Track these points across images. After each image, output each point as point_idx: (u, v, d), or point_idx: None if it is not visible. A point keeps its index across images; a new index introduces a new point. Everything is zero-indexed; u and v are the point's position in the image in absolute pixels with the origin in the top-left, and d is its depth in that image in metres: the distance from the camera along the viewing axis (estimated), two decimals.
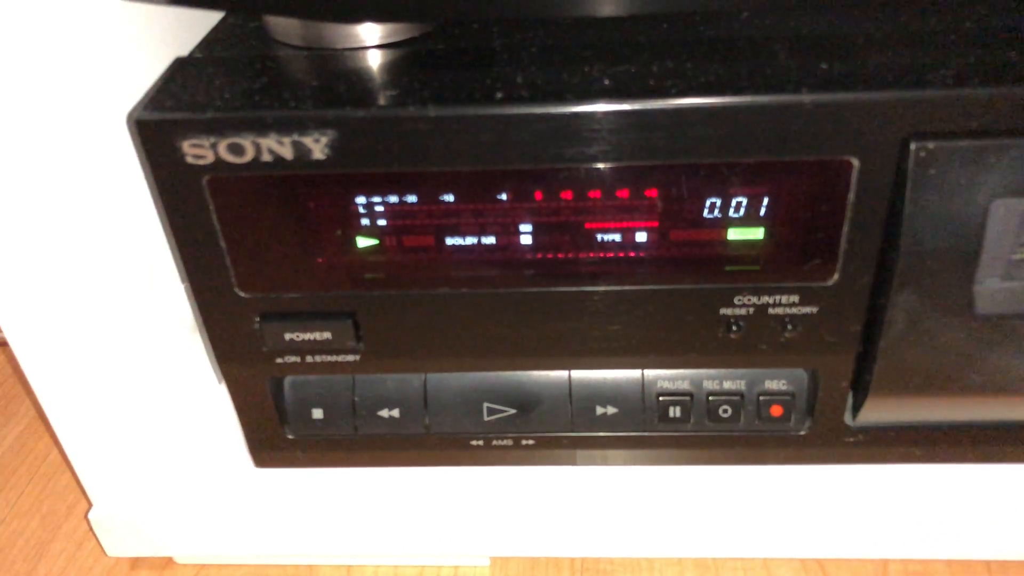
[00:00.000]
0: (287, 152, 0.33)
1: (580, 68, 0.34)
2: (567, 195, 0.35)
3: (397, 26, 0.37)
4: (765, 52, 0.34)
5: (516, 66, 0.35)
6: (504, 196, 0.35)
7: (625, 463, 0.43)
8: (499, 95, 0.32)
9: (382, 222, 0.36)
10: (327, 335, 0.38)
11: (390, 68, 0.35)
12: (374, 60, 0.36)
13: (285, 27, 0.38)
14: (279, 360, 0.39)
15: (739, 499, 0.45)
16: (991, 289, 0.35)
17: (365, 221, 0.36)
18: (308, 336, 0.38)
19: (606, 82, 0.33)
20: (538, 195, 0.35)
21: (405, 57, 0.36)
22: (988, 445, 0.42)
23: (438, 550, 0.49)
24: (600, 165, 0.34)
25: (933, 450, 0.42)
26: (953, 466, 0.45)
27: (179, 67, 0.37)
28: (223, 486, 0.46)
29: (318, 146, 0.33)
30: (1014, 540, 0.45)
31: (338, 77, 0.35)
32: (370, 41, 0.37)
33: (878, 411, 0.39)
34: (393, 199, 0.35)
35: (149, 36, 0.41)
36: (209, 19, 0.44)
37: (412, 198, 0.35)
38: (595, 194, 0.35)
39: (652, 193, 0.35)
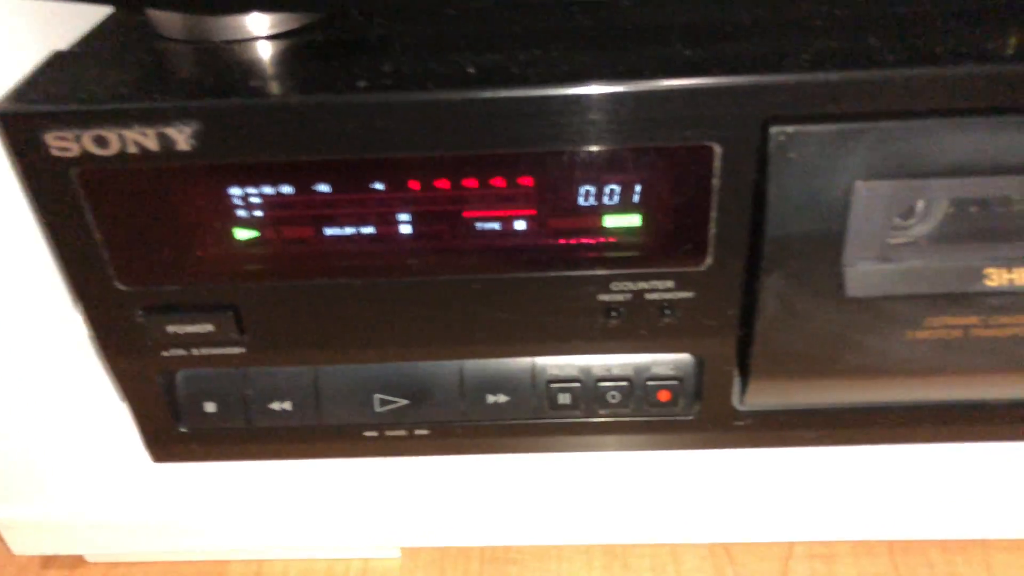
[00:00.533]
0: (152, 143, 0.33)
1: (449, 57, 0.34)
2: (442, 184, 0.35)
3: (277, 17, 0.37)
4: (632, 40, 0.34)
5: (388, 56, 0.35)
6: (378, 185, 0.35)
7: (520, 451, 0.44)
8: (362, 83, 0.32)
9: (256, 213, 0.36)
10: (209, 327, 0.38)
11: (264, 59, 0.35)
12: (251, 52, 0.36)
13: (166, 21, 0.38)
14: (165, 354, 0.39)
15: (646, 486, 0.46)
16: (861, 272, 0.36)
17: (240, 212, 0.36)
18: (191, 329, 0.38)
19: (471, 70, 0.33)
20: (413, 184, 0.35)
21: (281, 48, 0.36)
22: (876, 427, 0.42)
23: (349, 543, 0.49)
24: (470, 153, 0.34)
25: (823, 433, 0.43)
26: (853, 448, 0.45)
27: (54, 60, 0.36)
28: (128, 483, 0.46)
29: (183, 137, 0.33)
30: (914, 520, 0.45)
31: (210, 69, 0.35)
32: (250, 33, 0.37)
33: (762, 394, 0.40)
34: (265, 190, 0.35)
35: (35, 31, 0.41)
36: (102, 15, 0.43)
37: (286, 189, 0.35)
38: (470, 183, 0.35)
39: (526, 181, 0.35)
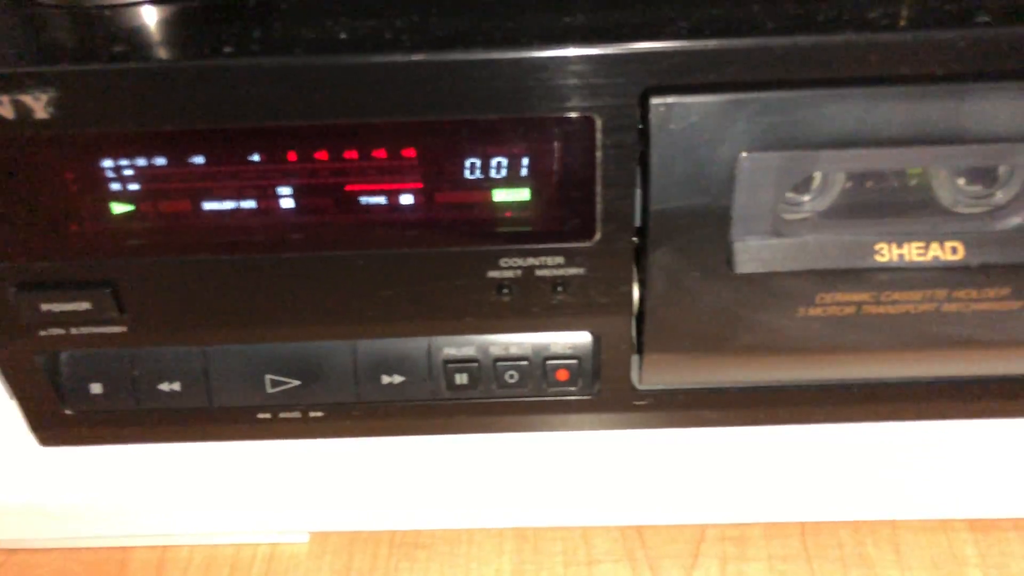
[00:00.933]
0: (8, 111, 0.31)
1: (324, 23, 0.33)
2: (321, 155, 0.34)
3: None
4: (509, 7, 0.33)
5: (262, 22, 0.34)
6: (255, 157, 0.34)
7: (418, 433, 0.43)
8: (228, 49, 0.31)
9: (130, 186, 0.34)
10: (86, 305, 0.37)
11: (135, 25, 0.34)
12: (124, 17, 0.35)
13: None
14: (43, 333, 0.38)
15: (556, 469, 0.45)
16: (749, 247, 0.35)
17: (112, 185, 0.34)
18: (67, 307, 0.37)
19: (343, 35, 0.32)
20: (291, 156, 0.34)
21: (156, 14, 0.35)
22: (780, 407, 0.42)
23: (256, 527, 0.48)
24: (346, 123, 0.33)
25: (726, 413, 0.42)
26: (764, 429, 0.45)
27: None
28: (24, 467, 0.45)
29: (39, 104, 0.31)
30: (825, 502, 0.45)
31: (75, 34, 0.33)
32: None
33: (658, 373, 0.39)
34: (137, 161, 0.34)
35: None
36: None
37: (158, 160, 0.34)
38: (350, 154, 0.34)
39: (409, 153, 0.34)
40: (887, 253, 0.35)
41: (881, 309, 0.36)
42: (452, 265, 0.36)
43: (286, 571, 0.48)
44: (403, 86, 0.31)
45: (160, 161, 0.34)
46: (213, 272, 0.37)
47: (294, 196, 0.35)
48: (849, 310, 0.36)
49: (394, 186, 0.35)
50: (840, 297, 0.35)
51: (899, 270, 0.35)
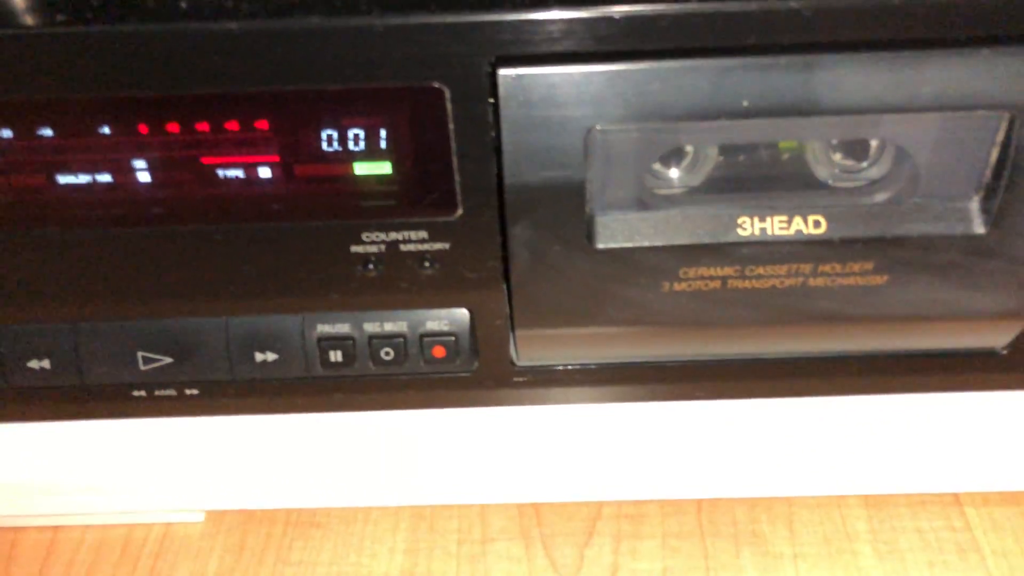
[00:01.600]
0: None
1: None
2: (173, 127, 0.33)
3: None
4: None
5: None
6: (105, 129, 0.33)
7: (295, 411, 0.42)
8: (61, 17, 0.30)
9: None
10: None
11: None
12: None
13: None
14: None
15: (452, 446, 0.45)
16: (609, 221, 0.35)
17: None
18: None
19: (182, 4, 0.31)
20: (142, 128, 0.33)
21: None
22: (663, 383, 0.42)
23: (149, 506, 0.47)
24: (195, 93, 0.32)
25: (607, 389, 0.42)
26: (657, 405, 0.45)
27: None
28: None
29: None
30: (721, 479, 0.45)
31: None
32: None
33: (531, 349, 0.39)
34: None
35: None
36: None
37: (5, 132, 0.33)
38: (202, 126, 0.33)
39: (261, 124, 0.33)
40: (749, 227, 0.34)
41: (747, 284, 0.36)
42: (313, 240, 0.36)
43: (178, 551, 0.48)
44: (244, 56, 0.31)
45: (7, 133, 0.33)
46: (73, 246, 0.36)
47: (149, 169, 0.34)
48: (715, 284, 0.35)
49: (250, 158, 0.34)
50: (704, 272, 0.35)
51: (762, 244, 0.34)
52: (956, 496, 0.48)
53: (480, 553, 0.47)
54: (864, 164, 0.35)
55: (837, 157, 0.35)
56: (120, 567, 0.47)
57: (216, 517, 0.49)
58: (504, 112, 0.32)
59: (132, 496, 0.46)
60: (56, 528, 0.49)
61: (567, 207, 0.34)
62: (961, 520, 0.47)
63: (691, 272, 0.35)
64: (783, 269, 0.35)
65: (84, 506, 0.46)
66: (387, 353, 0.39)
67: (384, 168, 0.34)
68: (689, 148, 0.34)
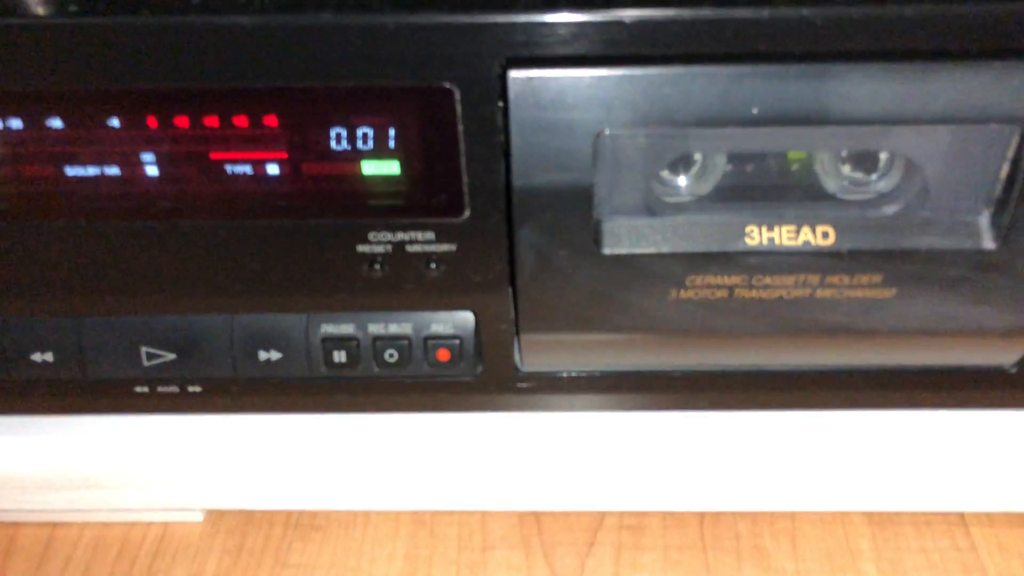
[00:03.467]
0: None
1: None
2: (182, 121, 0.33)
3: None
4: None
5: None
6: (114, 122, 0.33)
7: (297, 410, 0.42)
8: (73, 8, 0.31)
9: None
10: None
11: None
12: None
13: None
14: None
15: (455, 452, 0.44)
16: (616, 227, 0.34)
17: None
18: None
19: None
20: (151, 121, 0.33)
21: None
22: (670, 392, 0.41)
23: (148, 504, 0.47)
24: (206, 87, 0.32)
25: (612, 397, 0.42)
26: (661, 415, 0.44)
27: None
28: None
29: None
30: (723, 492, 0.45)
31: None
32: None
33: (537, 354, 0.39)
34: None
35: None
36: None
37: (15, 123, 0.33)
38: (211, 121, 0.33)
39: (271, 121, 0.33)
40: (757, 236, 0.34)
41: (754, 293, 0.35)
42: (320, 238, 0.36)
43: (176, 551, 0.48)
44: (255, 51, 0.31)
45: (16, 124, 0.33)
46: (79, 239, 0.36)
47: (157, 163, 0.34)
48: (721, 293, 0.35)
49: (258, 155, 0.34)
50: (711, 280, 0.35)
51: (770, 254, 0.34)
52: (961, 516, 0.47)
53: (480, 561, 0.47)
54: (873, 177, 0.35)
55: (846, 169, 0.35)
56: (117, 566, 0.47)
57: (215, 518, 0.49)
58: (514, 114, 0.31)
59: (132, 493, 0.46)
60: (54, 525, 0.49)
61: (575, 211, 0.33)
62: (966, 540, 0.46)
63: (698, 280, 0.35)
64: (790, 279, 0.35)
65: (83, 502, 0.46)
66: (391, 355, 0.39)
67: (392, 168, 0.34)
68: (698, 156, 0.34)
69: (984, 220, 0.34)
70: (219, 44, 0.31)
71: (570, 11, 0.30)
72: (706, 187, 0.35)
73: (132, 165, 0.34)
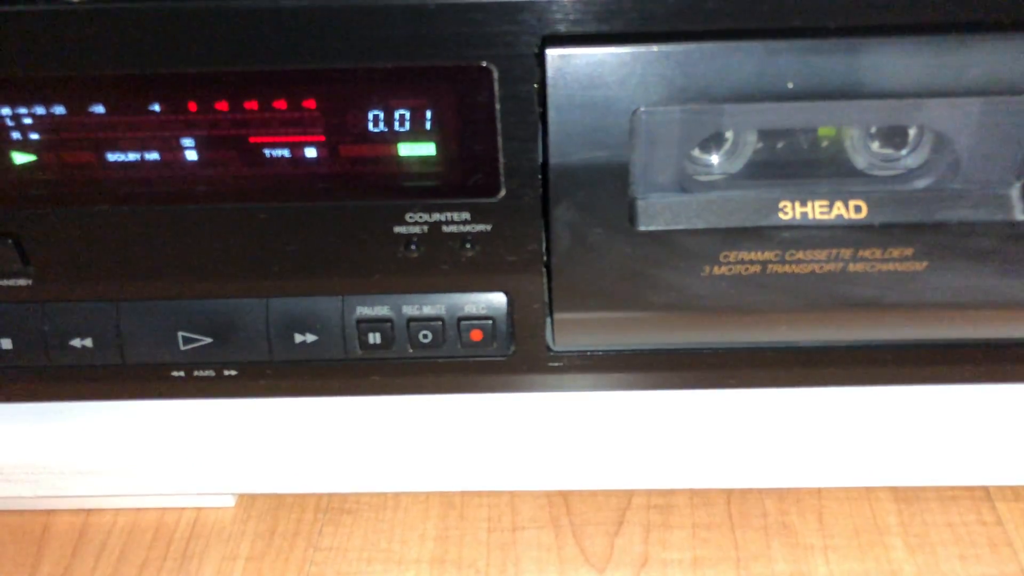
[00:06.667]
0: None
1: None
2: (222, 105, 0.34)
3: None
4: None
5: None
6: (155, 107, 0.34)
7: (332, 393, 0.43)
8: None
9: (30, 135, 0.34)
10: None
11: None
12: None
13: None
14: None
15: (483, 433, 0.45)
16: (651, 204, 0.35)
17: (12, 134, 0.34)
18: None
19: None
20: (191, 105, 0.34)
21: None
22: (701, 369, 0.42)
23: (180, 489, 0.47)
24: (245, 70, 0.32)
25: (644, 376, 0.42)
26: (687, 393, 0.45)
27: None
28: None
29: None
30: (750, 469, 0.45)
31: None
32: None
33: (570, 333, 0.39)
34: (33, 109, 0.33)
35: None
36: None
37: (57, 108, 0.34)
38: (251, 104, 0.34)
39: (309, 103, 0.34)
40: (791, 211, 0.35)
41: (787, 268, 0.36)
42: (357, 220, 0.36)
43: (209, 535, 0.48)
44: (293, 32, 0.31)
45: (59, 110, 0.34)
46: (118, 224, 0.37)
47: (196, 147, 0.35)
48: (755, 269, 0.36)
49: (297, 138, 0.34)
50: (745, 256, 0.35)
51: (803, 228, 0.35)
52: (987, 490, 0.48)
53: (510, 541, 0.47)
54: (903, 152, 0.35)
55: (875, 146, 0.35)
56: (153, 550, 0.47)
57: (247, 502, 0.50)
58: (551, 92, 0.32)
59: (165, 478, 0.46)
60: (88, 512, 0.49)
61: (610, 189, 0.34)
62: (992, 515, 0.47)
63: (731, 256, 0.35)
64: (823, 254, 0.35)
65: (116, 488, 0.46)
66: (425, 336, 0.40)
67: (429, 149, 0.34)
68: (731, 132, 0.35)
69: (1015, 192, 0.34)
70: (259, 27, 0.31)
71: None
72: (739, 164, 0.35)
73: (172, 150, 0.35)
